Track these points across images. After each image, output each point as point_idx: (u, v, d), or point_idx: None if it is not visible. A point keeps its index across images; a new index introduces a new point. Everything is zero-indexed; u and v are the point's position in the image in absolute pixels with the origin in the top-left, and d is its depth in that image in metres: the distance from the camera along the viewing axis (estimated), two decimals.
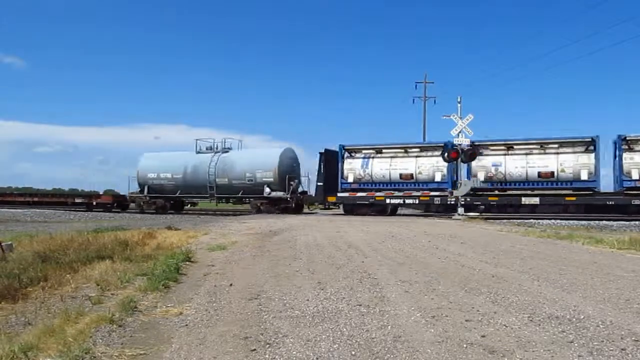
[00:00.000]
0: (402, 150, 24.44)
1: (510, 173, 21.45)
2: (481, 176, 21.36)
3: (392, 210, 24.49)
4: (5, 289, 6.39)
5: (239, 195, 27.60)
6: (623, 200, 20.16)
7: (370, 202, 23.94)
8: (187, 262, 7.90)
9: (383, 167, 24.16)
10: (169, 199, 29.26)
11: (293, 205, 26.14)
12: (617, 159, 20.63)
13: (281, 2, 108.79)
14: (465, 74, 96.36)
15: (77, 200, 32.56)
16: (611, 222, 17.84)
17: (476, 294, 5.25)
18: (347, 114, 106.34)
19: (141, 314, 4.70)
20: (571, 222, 18.26)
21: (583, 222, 17.92)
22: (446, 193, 21.48)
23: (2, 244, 9.10)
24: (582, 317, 4.25)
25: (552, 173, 20.86)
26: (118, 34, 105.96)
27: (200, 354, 3.50)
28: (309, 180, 27.62)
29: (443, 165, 22.09)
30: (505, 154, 21.89)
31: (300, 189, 27.68)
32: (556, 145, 21.47)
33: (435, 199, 22.12)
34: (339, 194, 24.74)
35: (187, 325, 4.28)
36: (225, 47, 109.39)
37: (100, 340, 3.82)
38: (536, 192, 21.41)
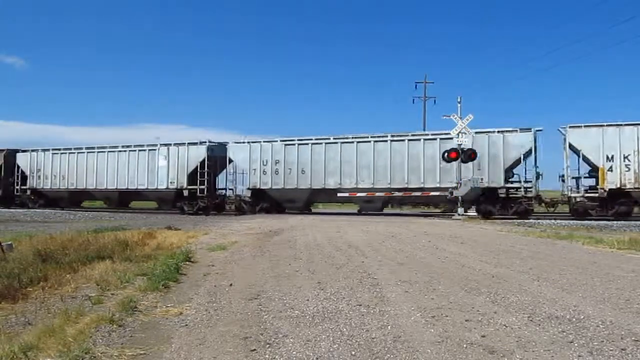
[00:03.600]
0: None
1: None
2: None
3: None
4: (5, 289, 6.38)
5: None
6: None
7: None
8: (187, 262, 7.90)
9: None
10: None
11: None
12: None
13: (281, 2, 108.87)
14: (465, 74, 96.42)
15: None
16: (611, 222, 17.82)
17: (476, 294, 5.25)
18: (348, 114, 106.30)
19: (141, 314, 4.69)
20: (571, 222, 18.24)
21: (583, 222, 17.91)
22: None
23: (2, 244, 9.09)
24: (582, 317, 4.25)
25: None
26: (118, 34, 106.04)
27: (200, 354, 3.50)
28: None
29: None
30: None
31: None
32: None
33: None
34: None
35: (187, 325, 4.28)
36: (225, 47, 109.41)
37: (100, 340, 3.82)
38: None
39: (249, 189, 24.87)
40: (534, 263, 7.47)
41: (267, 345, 3.61)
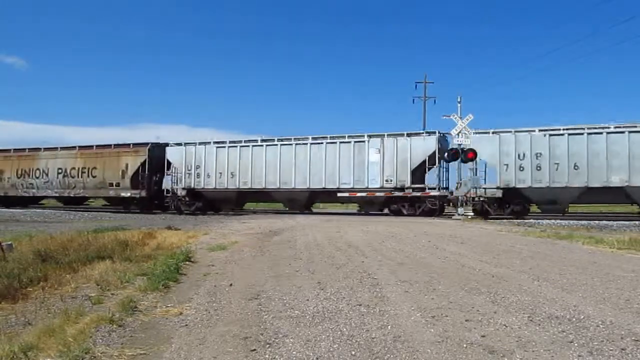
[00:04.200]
0: None
1: None
2: None
3: None
4: (5, 289, 6.38)
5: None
6: None
7: None
8: (187, 262, 7.90)
9: None
10: None
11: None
12: None
13: (281, 2, 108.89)
14: (465, 74, 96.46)
15: None
16: (611, 222, 17.81)
17: (476, 293, 5.25)
18: (348, 114, 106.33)
19: (141, 314, 4.70)
20: (571, 222, 18.23)
21: (583, 222, 17.90)
22: None
23: (2, 244, 9.08)
24: (582, 317, 4.25)
25: None
26: (118, 34, 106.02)
27: (200, 354, 3.50)
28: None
29: None
30: None
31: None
32: None
33: None
34: None
35: (187, 325, 4.28)
36: (225, 47, 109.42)
37: (100, 340, 3.82)
38: None
39: (498, 187, 20.48)
40: (534, 263, 7.47)
41: (267, 345, 3.61)
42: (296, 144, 23.69)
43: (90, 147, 28.95)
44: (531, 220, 18.71)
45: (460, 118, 20.50)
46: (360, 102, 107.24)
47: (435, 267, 7.04)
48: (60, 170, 29.12)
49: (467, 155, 20.03)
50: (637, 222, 17.56)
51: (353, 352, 3.42)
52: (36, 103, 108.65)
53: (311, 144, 23.50)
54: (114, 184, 27.29)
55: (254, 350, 3.53)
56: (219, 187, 24.99)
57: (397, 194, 21.91)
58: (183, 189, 25.64)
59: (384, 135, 22.46)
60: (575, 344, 3.52)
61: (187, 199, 25.72)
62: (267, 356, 3.41)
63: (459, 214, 19.99)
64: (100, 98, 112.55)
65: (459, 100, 21.13)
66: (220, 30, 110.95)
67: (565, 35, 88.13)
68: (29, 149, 31.12)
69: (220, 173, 24.88)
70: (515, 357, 3.30)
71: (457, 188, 20.31)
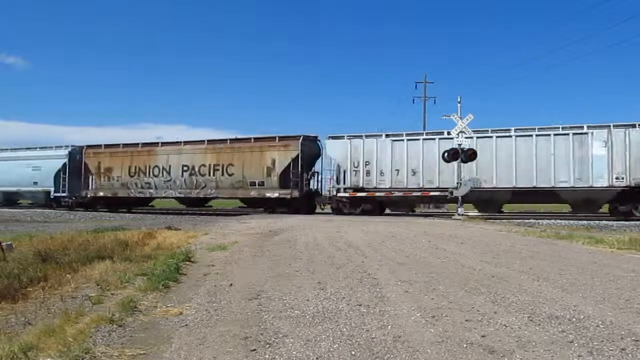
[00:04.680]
0: None
1: None
2: None
3: None
4: (5, 289, 6.38)
5: None
6: None
7: None
8: (187, 262, 7.89)
9: None
10: None
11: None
12: None
13: (281, 2, 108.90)
14: (465, 74, 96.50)
15: None
16: (611, 222, 17.80)
17: (476, 294, 5.25)
18: (348, 115, 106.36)
19: (141, 313, 4.69)
20: (571, 222, 18.22)
21: (583, 222, 17.90)
22: None
23: (2, 244, 9.08)
24: (582, 317, 4.25)
25: None
26: (118, 34, 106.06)
27: (200, 354, 3.50)
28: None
29: None
30: None
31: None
32: None
33: None
34: None
35: (187, 325, 4.28)
36: (224, 47, 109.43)
37: (100, 340, 3.82)
38: None
39: None
40: (534, 263, 7.47)
41: (267, 345, 3.61)
42: (497, 137, 20.56)
43: (223, 140, 25.42)
44: (531, 220, 18.70)
45: (460, 118, 20.48)
46: (361, 102, 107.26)
47: (435, 267, 7.04)
48: (185, 168, 25.26)
49: (467, 155, 20.01)
50: (637, 222, 17.56)
51: (353, 352, 3.42)
52: (36, 103, 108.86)
53: (516, 136, 20.17)
54: (257, 183, 23.54)
55: (254, 350, 3.53)
56: (397, 186, 21.66)
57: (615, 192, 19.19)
58: (350, 187, 22.22)
59: (609, 126, 19.56)
60: (575, 344, 3.52)
61: (347, 200, 22.26)
62: (267, 356, 3.41)
63: (459, 214, 19.99)
64: (100, 98, 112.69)
65: (459, 100, 21.10)
66: (220, 30, 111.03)
67: (565, 35, 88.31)
68: (142, 143, 27.50)
69: (397, 170, 21.59)
70: (515, 357, 3.30)
71: (457, 188, 20.30)
